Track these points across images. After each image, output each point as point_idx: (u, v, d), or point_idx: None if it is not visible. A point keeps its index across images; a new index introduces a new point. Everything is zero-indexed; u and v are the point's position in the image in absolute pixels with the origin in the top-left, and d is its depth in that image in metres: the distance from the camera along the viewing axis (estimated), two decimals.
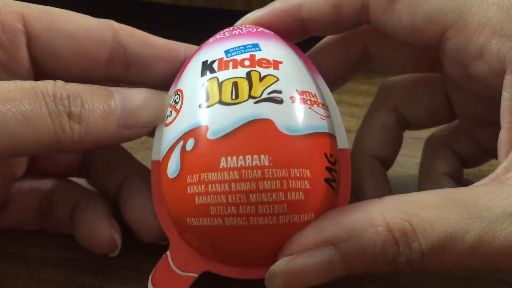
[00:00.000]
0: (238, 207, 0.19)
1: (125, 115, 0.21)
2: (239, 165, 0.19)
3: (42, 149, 0.20)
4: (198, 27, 0.42)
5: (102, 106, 0.21)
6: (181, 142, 0.20)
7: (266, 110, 0.20)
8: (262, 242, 0.20)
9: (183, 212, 0.20)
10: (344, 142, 0.22)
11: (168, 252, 0.21)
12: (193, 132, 0.20)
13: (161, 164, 0.21)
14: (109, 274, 0.24)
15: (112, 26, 0.23)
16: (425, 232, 0.18)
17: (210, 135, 0.19)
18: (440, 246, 0.18)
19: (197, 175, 0.19)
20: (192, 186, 0.19)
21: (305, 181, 0.19)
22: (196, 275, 0.21)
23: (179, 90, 0.22)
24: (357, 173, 0.25)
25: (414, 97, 0.26)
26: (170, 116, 0.22)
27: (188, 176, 0.19)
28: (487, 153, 0.26)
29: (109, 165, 0.26)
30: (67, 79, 0.21)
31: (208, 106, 0.20)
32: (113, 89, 0.22)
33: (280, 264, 0.19)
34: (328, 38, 0.25)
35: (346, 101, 0.34)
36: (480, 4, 0.20)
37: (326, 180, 0.20)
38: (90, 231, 0.23)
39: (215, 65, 0.21)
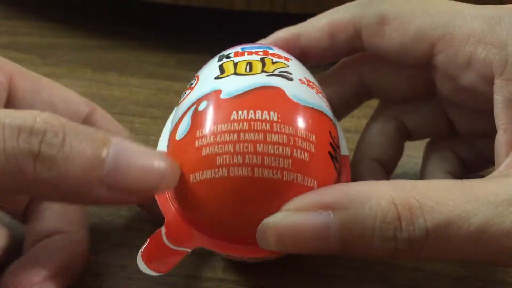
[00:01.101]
0: (245, 157, 0.19)
1: (114, 173, 0.18)
2: (249, 117, 0.19)
3: None
4: (198, 27, 0.42)
5: (89, 153, 0.17)
6: (194, 106, 0.20)
7: (277, 81, 0.21)
8: (264, 199, 0.19)
9: (187, 169, 0.20)
10: (344, 149, 0.23)
11: (162, 228, 0.21)
12: (206, 96, 0.20)
13: (169, 136, 0.21)
14: None
15: (93, 107, 0.24)
16: (432, 209, 0.18)
17: (223, 96, 0.20)
18: (446, 226, 0.18)
19: (207, 128, 0.20)
20: (200, 139, 0.19)
21: (311, 144, 0.20)
22: (189, 250, 0.20)
23: (197, 76, 0.23)
24: (358, 175, 0.25)
25: (414, 107, 0.26)
26: (184, 94, 0.22)
27: (198, 131, 0.20)
28: (487, 161, 0.26)
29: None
30: None
31: (223, 77, 0.21)
32: (113, 137, 0.18)
33: (275, 217, 0.19)
34: (324, 74, 0.26)
35: None
36: (464, 18, 0.21)
37: (330, 155, 0.20)
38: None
39: (231, 54, 0.23)
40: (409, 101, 0.26)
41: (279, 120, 0.19)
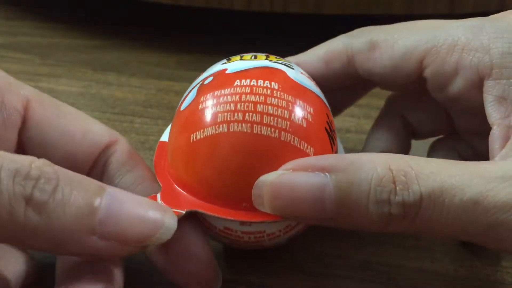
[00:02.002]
0: (245, 114, 0.20)
1: (106, 223, 0.17)
2: (251, 84, 0.21)
3: None
4: (198, 27, 0.42)
5: (82, 202, 0.17)
6: (200, 83, 0.22)
7: (280, 66, 0.22)
8: (261, 156, 0.20)
9: (189, 129, 0.20)
10: (341, 150, 0.24)
11: (158, 194, 0.21)
12: (212, 74, 0.22)
13: (175, 112, 0.22)
14: None
15: (116, 138, 0.23)
16: (427, 177, 0.18)
17: (228, 72, 0.21)
18: (440, 194, 0.18)
19: (211, 93, 0.21)
20: (203, 103, 0.20)
21: (308, 114, 0.21)
22: (183, 212, 0.20)
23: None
24: None
25: (418, 105, 0.27)
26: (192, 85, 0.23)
27: (202, 97, 0.21)
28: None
29: None
30: None
31: (229, 62, 0.22)
32: (108, 187, 0.18)
33: (272, 175, 0.19)
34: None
35: None
36: (448, 30, 0.23)
37: (326, 131, 0.21)
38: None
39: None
40: (412, 98, 0.27)
41: (280, 89, 0.21)
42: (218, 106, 0.20)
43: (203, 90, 0.21)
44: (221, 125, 0.20)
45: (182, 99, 0.22)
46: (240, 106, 0.20)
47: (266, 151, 0.20)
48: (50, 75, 0.36)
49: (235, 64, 0.22)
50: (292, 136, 0.20)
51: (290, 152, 0.20)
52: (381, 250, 0.25)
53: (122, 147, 0.22)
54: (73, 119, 0.22)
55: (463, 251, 0.25)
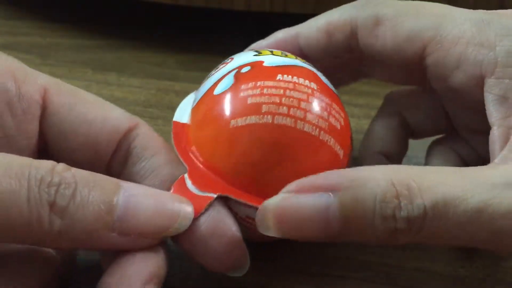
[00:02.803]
0: (289, 109, 0.20)
1: (124, 219, 0.18)
2: (293, 80, 0.21)
3: (12, 238, 0.18)
4: (198, 27, 0.42)
5: (100, 201, 0.18)
6: (236, 70, 0.22)
7: (312, 67, 0.23)
8: (300, 150, 0.20)
9: (228, 116, 0.21)
10: None
11: (185, 175, 0.21)
12: (248, 64, 0.22)
13: (204, 95, 0.22)
14: None
15: (136, 122, 0.22)
16: (429, 189, 0.18)
17: (265, 64, 0.22)
18: (443, 205, 0.18)
19: (253, 82, 0.21)
20: (245, 91, 0.21)
21: (341, 118, 0.22)
22: (214, 195, 0.20)
23: (230, 58, 0.24)
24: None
25: (416, 104, 0.27)
26: (216, 69, 0.23)
27: (242, 85, 0.21)
28: (487, 161, 0.26)
29: None
30: (68, 161, 0.19)
31: (261, 55, 0.23)
32: (123, 183, 0.19)
33: (275, 199, 0.19)
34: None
35: (346, 101, 0.33)
36: (454, 21, 0.22)
37: (351, 138, 0.23)
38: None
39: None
40: (410, 97, 0.27)
41: (318, 90, 0.22)
42: (263, 97, 0.21)
43: (242, 78, 0.21)
44: (265, 116, 0.20)
45: (211, 83, 0.22)
46: (285, 100, 0.21)
47: (306, 147, 0.20)
48: (50, 75, 0.36)
49: (270, 58, 0.22)
50: (329, 137, 0.21)
51: (326, 152, 0.21)
52: (381, 250, 0.25)
53: (143, 131, 0.22)
54: (91, 106, 0.22)
55: (463, 251, 0.25)
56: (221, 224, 0.20)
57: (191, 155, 0.21)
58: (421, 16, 0.23)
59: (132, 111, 0.33)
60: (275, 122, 0.20)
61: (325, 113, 0.21)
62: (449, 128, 0.26)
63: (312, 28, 0.25)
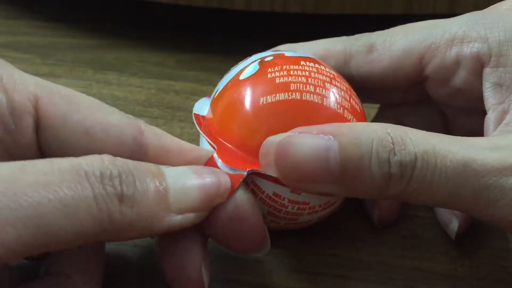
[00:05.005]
0: (316, 88, 0.22)
1: (178, 198, 0.19)
2: (315, 66, 0.23)
3: (83, 241, 0.17)
4: (198, 27, 0.42)
5: (154, 186, 0.18)
6: (259, 60, 0.23)
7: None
8: None
9: (257, 94, 0.22)
10: None
11: (214, 154, 0.21)
12: (270, 55, 0.23)
13: (230, 81, 0.23)
14: None
15: (139, 127, 0.21)
16: (420, 140, 0.19)
17: (288, 55, 0.23)
18: (432, 154, 0.19)
19: (279, 66, 0.22)
20: (273, 73, 0.22)
21: (360, 104, 0.23)
22: (245, 172, 0.20)
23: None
24: None
25: (413, 110, 0.27)
26: (235, 66, 0.24)
27: (269, 69, 0.22)
28: None
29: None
30: None
31: (279, 51, 0.24)
32: (162, 167, 0.19)
33: (279, 136, 0.20)
34: None
35: None
36: (443, 28, 0.24)
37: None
38: (181, 271, 0.20)
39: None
40: (408, 104, 0.27)
41: (338, 77, 0.23)
42: (290, 77, 0.22)
43: (267, 64, 0.22)
44: (294, 93, 0.21)
45: (234, 74, 0.23)
46: (311, 80, 0.22)
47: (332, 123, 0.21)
48: (50, 75, 0.36)
49: (289, 52, 0.24)
50: (352, 116, 0.22)
51: None
52: (381, 250, 0.25)
53: (150, 134, 0.21)
54: (88, 113, 0.20)
55: (463, 251, 0.25)
56: (246, 206, 0.20)
57: (217, 137, 0.22)
58: (412, 32, 0.24)
59: (132, 111, 0.33)
60: (303, 98, 0.21)
61: (347, 95, 0.22)
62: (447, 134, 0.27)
63: (309, 50, 0.26)
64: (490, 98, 0.22)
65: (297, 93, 0.21)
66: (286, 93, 0.21)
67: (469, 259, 0.24)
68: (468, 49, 0.23)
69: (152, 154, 0.21)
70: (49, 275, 0.20)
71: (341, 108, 0.22)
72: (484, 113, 0.22)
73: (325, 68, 0.23)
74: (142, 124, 0.21)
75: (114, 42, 0.40)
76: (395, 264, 0.24)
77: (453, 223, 0.24)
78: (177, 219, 0.19)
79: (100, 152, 0.19)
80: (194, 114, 0.23)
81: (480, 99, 0.23)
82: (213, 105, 0.23)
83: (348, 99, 0.22)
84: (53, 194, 0.16)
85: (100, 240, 0.18)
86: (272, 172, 0.20)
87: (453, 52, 0.23)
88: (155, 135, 0.21)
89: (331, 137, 0.19)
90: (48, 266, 0.20)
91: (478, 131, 0.24)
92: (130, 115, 0.21)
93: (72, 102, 0.20)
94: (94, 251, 0.21)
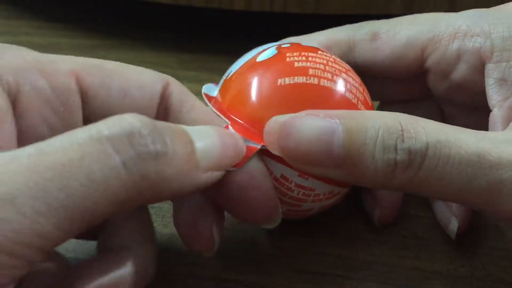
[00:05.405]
0: (333, 75, 0.22)
1: (203, 156, 0.18)
2: (332, 56, 0.23)
3: (121, 209, 0.16)
4: (198, 27, 0.42)
5: (183, 145, 0.18)
6: (275, 46, 0.23)
7: None
8: None
9: (275, 75, 0.22)
10: None
11: (229, 126, 0.21)
12: (287, 43, 0.24)
13: (246, 62, 0.23)
14: None
15: (165, 81, 0.21)
16: (434, 130, 0.19)
17: (304, 44, 0.24)
18: (446, 144, 0.19)
19: (298, 52, 0.22)
20: (291, 57, 0.22)
21: (370, 101, 0.23)
22: (259, 146, 0.21)
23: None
24: None
25: (412, 108, 0.27)
26: (243, 56, 0.24)
27: (287, 54, 0.22)
28: None
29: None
30: None
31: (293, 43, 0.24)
32: (185, 126, 0.19)
33: (285, 116, 0.20)
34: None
35: None
36: (447, 21, 0.24)
37: None
38: (193, 227, 0.21)
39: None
40: (407, 102, 0.27)
41: (352, 71, 0.23)
42: (308, 63, 0.22)
43: (285, 50, 0.23)
44: (312, 77, 0.22)
45: (250, 56, 0.23)
46: (328, 68, 0.22)
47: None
48: None
49: (305, 42, 0.24)
50: (363, 107, 0.22)
51: None
52: (381, 250, 0.25)
53: (175, 87, 0.21)
54: (123, 77, 0.20)
55: (463, 251, 0.25)
56: (259, 175, 0.20)
57: (229, 114, 0.22)
58: (416, 23, 0.25)
59: None
60: (321, 83, 0.21)
61: (361, 88, 0.23)
62: None
63: (313, 42, 0.26)
64: (494, 94, 0.22)
65: (315, 78, 0.22)
66: (304, 77, 0.21)
67: (469, 259, 0.24)
68: (470, 44, 0.23)
69: (170, 108, 0.21)
70: (108, 251, 0.19)
71: (356, 98, 0.22)
72: (483, 110, 0.22)
73: (340, 60, 0.23)
74: (169, 79, 0.21)
75: (114, 42, 0.40)
76: (395, 264, 0.24)
77: (453, 224, 0.24)
78: (204, 177, 0.18)
79: (139, 110, 0.19)
80: (204, 94, 0.23)
81: (479, 94, 0.23)
82: (225, 86, 0.23)
83: (362, 91, 0.23)
84: (79, 172, 0.15)
85: (140, 204, 0.17)
86: (275, 150, 0.20)
87: (454, 45, 0.23)
88: (181, 93, 0.21)
89: (337, 120, 0.19)
90: (104, 241, 0.20)
91: (477, 129, 0.24)
92: (156, 71, 0.22)
93: (105, 69, 0.20)
94: (144, 220, 0.21)
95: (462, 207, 0.24)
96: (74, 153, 0.15)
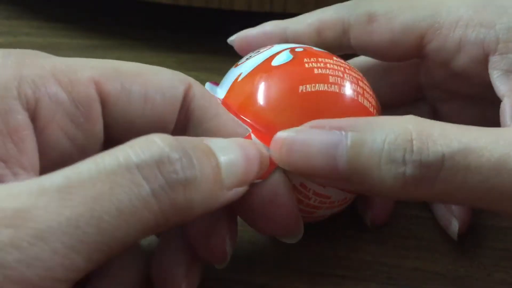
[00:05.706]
0: (351, 84, 0.22)
1: (229, 174, 0.18)
2: (347, 63, 0.23)
3: (144, 236, 0.16)
4: (198, 27, 0.42)
5: (210, 164, 0.17)
6: (288, 49, 0.23)
7: None
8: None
9: (296, 82, 0.21)
10: None
11: (251, 134, 0.21)
12: (300, 47, 0.23)
13: (259, 65, 0.22)
14: None
15: (186, 84, 0.20)
16: (449, 137, 0.18)
17: (316, 49, 0.23)
18: (466, 154, 0.17)
19: (315, 58, 0.22)
20: (310, 63, 0.22)
21: (380, 108, 0.23)
22: None
23: (254, 52, 0.24)
24: None
25: (404, 112, 0.26)
26: (248, 56, 0.23)
27: (305, 59, 0.22)
28: None
29: None
30: None
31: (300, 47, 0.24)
32: (206, 140, 0.18)
33: (290, 130, 0.20)
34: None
35: None
36: (450, 7, 0.23)
37: None
38: (206, 239, 0.20)
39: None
40: (401, 107, 0.26)
41: (365, 79, 0.23)
42: (328, 70, 0.22)
43: (301, 54, 0.23)
44: (333, 85, 0.21)
45: (262, 59, 0.22)
46: (346, 76, 0.22)
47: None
48: None
49: (315, 48, 0.24)
50: (377, 114, 0.23)
51: None
52: (381, 250, 0.25)
53: (198, 91, 0.20)
54: (143, 81, 0.20)
55: (464, 251, 0.25)
56: (283, 190, 0.20)
57: (246, 120, 0.21)
58: (415, 8, 0.23)
59: None
60: (341, 92, 0.22)
61: (374, 96, 0.23)
62: None
63: (302, 24, 0.25)
64: (502, 86, 0.21)
65: (336, 86, 0.22)
66: (326, 85, 0.21)
67: (469, 259, 0.24)
68: (473, 34, 0.22)
69: (193, 113, 0.20)
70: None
71: (371, 106, 0.22)
72: (481, 108, 0.22)
73: (353, 67, 0.23)
74: (190, 81, 0.20)
75: (114, 42, 0.40)
76: (395, 264, 0.24)
77: (453, 224, 0.24)
78: (228, 194, 0.18)
79: (160, 115, 0.19)
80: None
81: (477, 86, 0.22)
82: (237, 88, 0.22)
83: (374, 98, 0.23)
84: (107, 202, 0.15)
85: (165, 229, 0.17)
86: (282, 164, 0.20)
87: (456, 35, 0.22)
88: (202, 97, 0.20)
89: (343, 132, 0.19)
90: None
91: (470, 119, 0.24)
92: (176, 71, 0.21)
93: (124, 72, 0.20)
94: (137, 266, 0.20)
95: (462, 208, 0.24)
96: (103, 184, 0.15)
